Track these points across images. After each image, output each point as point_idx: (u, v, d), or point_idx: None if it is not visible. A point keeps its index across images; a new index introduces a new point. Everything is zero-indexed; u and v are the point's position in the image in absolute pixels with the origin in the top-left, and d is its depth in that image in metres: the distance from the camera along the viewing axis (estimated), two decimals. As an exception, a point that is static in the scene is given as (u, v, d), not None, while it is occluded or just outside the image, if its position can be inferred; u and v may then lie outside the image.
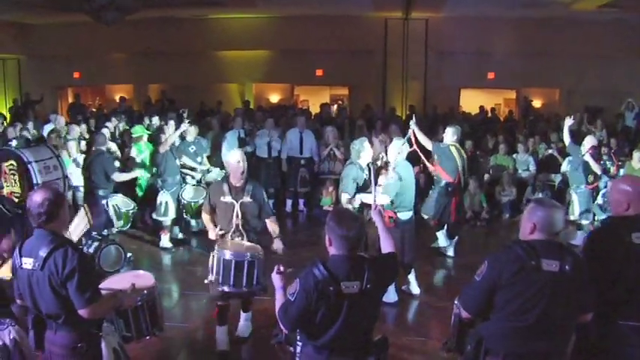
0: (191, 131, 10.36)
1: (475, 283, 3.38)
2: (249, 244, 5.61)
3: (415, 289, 7.39)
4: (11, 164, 6.92)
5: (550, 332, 3.23)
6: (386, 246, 3.79)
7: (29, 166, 6.82)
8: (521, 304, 3.21)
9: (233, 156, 5.90)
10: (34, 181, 6.76)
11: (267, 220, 6.01)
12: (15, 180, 6.88)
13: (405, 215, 7.08)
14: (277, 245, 5.98)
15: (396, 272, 3.65)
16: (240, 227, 5.76)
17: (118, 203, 8.76)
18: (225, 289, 5.25)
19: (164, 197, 9.22)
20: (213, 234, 5.83)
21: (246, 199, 5.77)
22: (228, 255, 5.24)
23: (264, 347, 5.24)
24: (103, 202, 8.51)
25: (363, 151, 7.06)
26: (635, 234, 3.55)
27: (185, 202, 9.33)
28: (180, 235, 9.75)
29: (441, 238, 9.04)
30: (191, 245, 9.65)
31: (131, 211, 8.92)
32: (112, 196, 8.76)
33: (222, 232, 5.78)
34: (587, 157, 9.17)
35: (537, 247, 3.24)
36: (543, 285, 3.18)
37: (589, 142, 9.35)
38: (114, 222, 8.56)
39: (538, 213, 3.31)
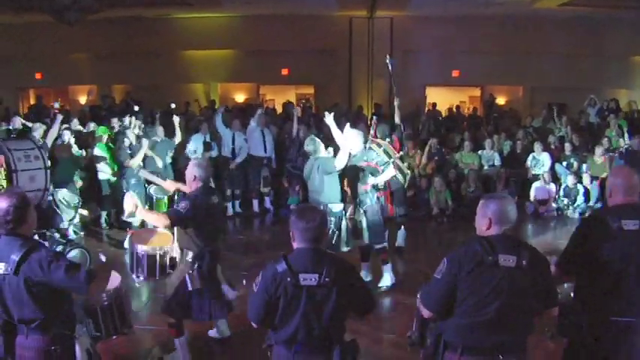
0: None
1: (435, 281, 3.39)
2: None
3: (386, 281, 7.44)
4: None
5: (508, 326, 3.25)
6: None
7: (9, 153, 6.93)
8: (479, 300, 3.23)
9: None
10: (12, 168, 6.90)
11: None
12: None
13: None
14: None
15: (358, 280, 3.61)
16: None
17: (65, 197, 8.59)
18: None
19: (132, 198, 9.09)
20: None
21: None
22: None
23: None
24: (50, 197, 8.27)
25: (320, 146, 7.46)
26: (624, 221, 3.60)
27: (154, 197, 9.29)
28: None
29: (402, 236, 9.06)
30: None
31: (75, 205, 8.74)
32: (56, 190, 8.57)
33: None
34: None
35: (495, 242, 3.27)
36: (500, 280, 3.20)
37: None
38: (62, 216, 8.28)
39: (491, 207, 3.34)
